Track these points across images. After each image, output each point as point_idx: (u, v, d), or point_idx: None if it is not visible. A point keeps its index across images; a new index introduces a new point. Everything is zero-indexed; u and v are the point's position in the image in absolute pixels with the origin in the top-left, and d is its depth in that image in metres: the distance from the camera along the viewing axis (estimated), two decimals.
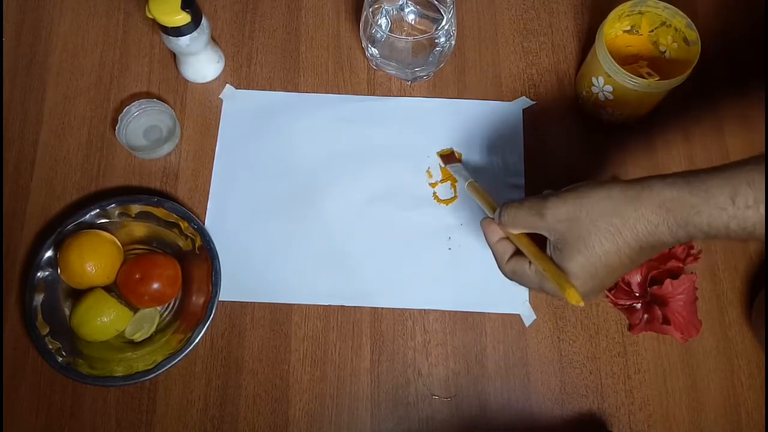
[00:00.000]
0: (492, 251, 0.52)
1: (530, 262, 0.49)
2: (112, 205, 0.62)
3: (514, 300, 0.62)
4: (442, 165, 0.66)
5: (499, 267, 0.52)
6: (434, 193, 0.66)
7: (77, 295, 0.60)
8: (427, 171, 0.67)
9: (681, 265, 0.62)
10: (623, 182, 0.44)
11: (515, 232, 0.50)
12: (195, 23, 0.63)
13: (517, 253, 0.51)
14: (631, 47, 0.67)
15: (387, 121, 0.69)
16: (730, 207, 0.40)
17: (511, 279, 0.51)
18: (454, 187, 0.66)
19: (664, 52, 0.66)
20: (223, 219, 0.65)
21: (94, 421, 0.59)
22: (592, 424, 0.59)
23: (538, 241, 0.49)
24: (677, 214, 0.42)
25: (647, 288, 0.61)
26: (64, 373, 0.57)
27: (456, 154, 0.67)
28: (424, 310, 0.62)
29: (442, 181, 0.66)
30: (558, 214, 0.46)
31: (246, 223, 0.65)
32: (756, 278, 0.63)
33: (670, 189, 0.42)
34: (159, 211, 0.62)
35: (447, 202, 0.66)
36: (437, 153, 0.67)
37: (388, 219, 0.65)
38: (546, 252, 0.48)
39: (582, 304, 0.44)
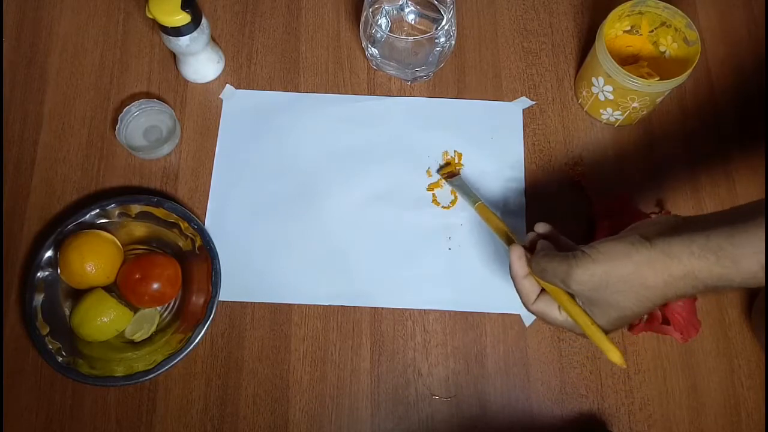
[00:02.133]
0: (516, 286, 0.52)
1: (559, 307, 0.49)
2: (112, 205, 0.62)
3: (514, 300, 0.62)
4: (445, 181, 0.66)
5: (524, 304, 0.52)
6: (434, 195, 0.66)
7: (77, 295, 0.60)
8: (427, 171, 0.67)
9: None
10: (646, 247, 0.43)
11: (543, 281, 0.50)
12: (195, 23, 0.63)
13: (543, 291, 0.50)
14: (631, 47, 0.67)
15: (387, 121, 0.68)
16: (760, 273, 0.40)
17: (539, 317, 0.52)
18: (454, 193, 0.66)
19: (664, 52, 0.66)
20: (223, 219, 0.65)
21: (94, 421, 0.59)
22: (592, 424, 0.59)
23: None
24: (704, 281, 0.42)
25: None
26: (64, 373, 0.57)
27: (454, 166, 0.66)
28: (424, 310, 0.62)
29: (441, 179, 0.66)
30: (583, 284, 0.45)
31: (246, 223, 0.65)
32: None
33: (698, 261, 0.41)
34: (159, 211, 0.62)
35: (447, 207, 0.65)
36: (439, 173, 0.66)
37: (388, 219, 0.65)
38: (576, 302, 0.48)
39: (626, 365, 0.47)
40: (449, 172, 0.66)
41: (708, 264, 0.41)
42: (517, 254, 0.51)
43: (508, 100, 0.69)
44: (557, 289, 0.48)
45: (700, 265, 0.41)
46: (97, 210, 0.62)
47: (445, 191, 0.66)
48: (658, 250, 0.43)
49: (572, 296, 0.48)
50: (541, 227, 0.52)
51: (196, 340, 0.58)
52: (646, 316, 0.60)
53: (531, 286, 0.51)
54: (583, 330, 0.47)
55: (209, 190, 0.66)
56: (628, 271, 0.43)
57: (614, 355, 0.46)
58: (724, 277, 0.41)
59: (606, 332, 0.47)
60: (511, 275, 0.52)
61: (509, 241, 0.54)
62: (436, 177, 0.67)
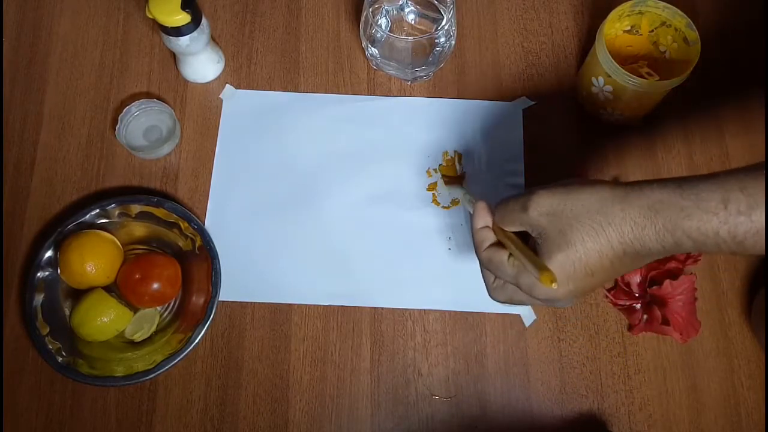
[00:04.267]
0: (472, 236, 0.50)
1: (509, 255, 0.46)
2: (112, 205, 0.62)
3: None
4: (446, 185, 0.66)
5: (476, 253, 0.49)
6: (434, 195, 0.66)
7: (77, 295, 0.60)
8: (427, 171, 0.67)
9: (680, 266, 0.62)
10: (613, 183, 0.43)
11: (505, 228, 0.48)
12: (195, 23, 0.63)
13: (498, 244, 0.48)
14: (631, 47, 0.67)
15: (387, 121, 0.69)
16: (721, 212, 0.39)
17: (486, 268, 0.49)
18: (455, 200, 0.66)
19: (664, 52, 0.66)
20: (223, 219, 0.65)
21: (94, 421, 0.59)
22: (592, 424, 0.59)
23: (525, 241, 0.47)
24: (665, 216, 0.40)
25: (647, 288, 0.61)
26: (64, 373, 0.57)
27: (458, 172, 0.66)
28: (424, 310, 0.62)
29: (450, 179, 0.66)
30: (541, 207, 0.44)
31: (246, 223, 0.65)
32: (755, 278, 0.63)
33: (660, 191, 0.41)
34: (159, 211, 0.62)
35: (447, 207, 0.65)
36: (441, 176, 0.66)
37: (388, 219, 0.65)
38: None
39: (555, 286, 0.41)
40: (452, 177, 0.66)
41: (670, 195, 0.40)
42: (482, 206, 0.50)
43: (508, 100, 0.69)
44: (509, 236, 0.47)
45: (662, 196, 0.40)
46: (97, 210, 0.62)
47: (445, 195, 0.66)
48: (624, 184, 0.42)
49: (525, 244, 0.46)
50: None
51: (196, 340, 0.58)
52: (645, 316, 0.60)
53: (485, 235, 0.49)
54: (522, 261, 0.44)
55: (209, 190, 0.66)
56: (587, 195, 0.42)
57: (547, 277, 0.41)
58: (686, 210, 0.39)
59: (558, 297, 0.44)
60: (471, 228, 0.50)
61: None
62: (435, 177, 0.66)
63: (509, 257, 0.46)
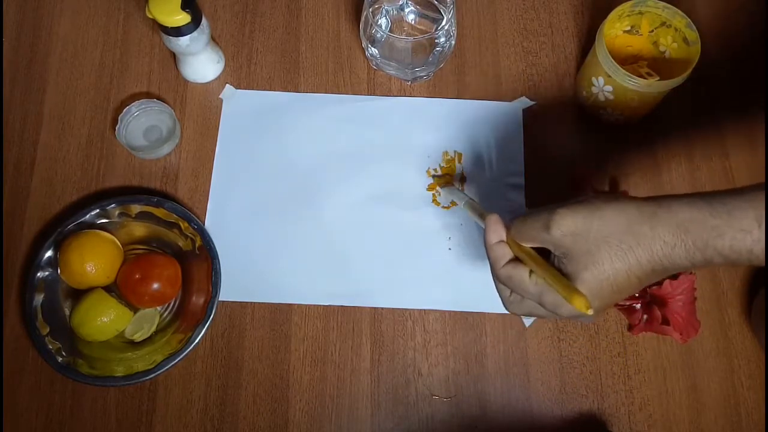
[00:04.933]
0: (487, 253, 0.48)
1: (530, 272, 0.45)
2: (112, 205, 0.62)
3: None
4: (440, 189, 0.66)
5: (492, 270, 0.48)
6: (434, 195, 0.66)
7: (77, 295, 0.60)
8: (427, 171, 0.67)
9: None
10: (638, 199, 0.42)
11: (522, 244, 0.46)
12: (195, 23, 0.63)
13: (516, 260, 0.47)
14: (631, 47, 0.67)
15: (387, 121, 0.69)
16: (755, 230, 0.38)
17: (504, 284, 0.47)
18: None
19: (664, 52, 0.66)
20: (223, 219, 0.65)
21: (94, 421, 0.59)
22: (592, 424, 0.59)
23: (542, 256, 0.46)
24: (696, 236, 0.39)
25: (647, 288, 0.61)
26: (64, 373, 0.57)
27: (458, 171, 0.66)
28: (424, 310, 0.62)
29: (441, 179, 0.66)
30: (564, 227, 0.42)
31: (246, 223, 0.65)
32: (755, 278, 0.63)
33: (690, 209, 0.40)
34: (159, 211, 0.62)
35: (447, 207, 0.65)
36: (436, 181, 0.66)
37: (388, 219, 0.65)
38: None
39: (590, 312, 0.40)
40: (446, 182, 0.66)
41: (701, 214, 0.39)
42: (494, 219, 0.48)
43: (508, 100, 0.69)
44: (529, 253, 0.45)
45: (692, 215, 0.39)
46: (97, 210, 0.62)
47: (446, 195, 0.66)
48: (649, 200, 0.41)
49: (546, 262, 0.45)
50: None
51: (196, 340, 0.58)
52: (645, 316, 0.60)
53: (502, 250, 0.47)
54: (549, 282, 0.43)
55: (209, 190, 0.66)
56: (614, 215, 0.41)
57: (580, 302, 0.40)
58: (717, 230, 0.38)
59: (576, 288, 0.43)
60: (484, 242, 0.48)
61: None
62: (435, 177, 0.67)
63: (530, 274, 0.45)
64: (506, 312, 0.61)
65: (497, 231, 0.48)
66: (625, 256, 0.41)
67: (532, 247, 0.46)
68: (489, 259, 0.48)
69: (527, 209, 0.47)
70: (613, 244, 0.41)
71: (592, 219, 0.42)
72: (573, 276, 0.42)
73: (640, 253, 0.41)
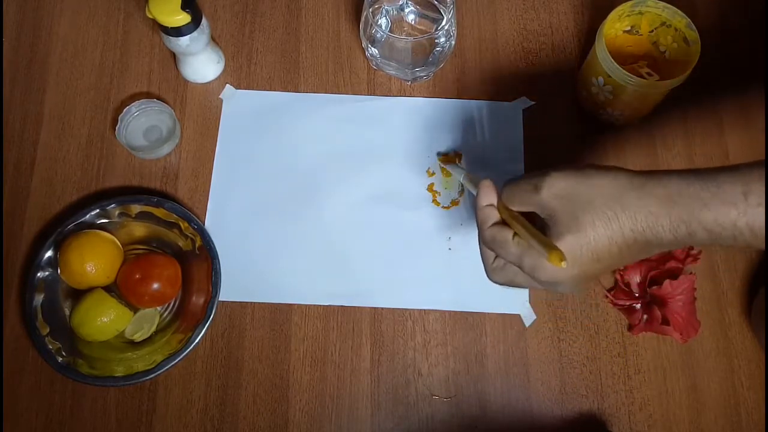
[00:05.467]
0: (476, 215, 0.48)
1: (514, 234, 0.45)
2: (112, 205, 0.62)
3: (514, 300, 0.62)
4: (442, 165, 0.66)
5: (479, 232, 0.48)
6: (434, 195, 0.66)
7: (77, 295, 0.60)
8: (427, 171, 0.67)
9: (680, 265, 0.62)
10: (632, 171, 0.42)
11: (512, 208, 0.46)
12: (195, 23, 0.63)
13: (502, 223, 0.47)
14: (631, 47, 0.67)
15: (387, 121, 0.69)
16: (741, 203, 0.38)
17: (488, 247, 0.47)
18: (454, 190, 0.66)
19: (664, 52, 0.66)
20: (223, 219, 0.65)
21: (94, 421, 0.59)
22: (592, 424, 0.59)
23: (531, 222, 0.46)
24: (683, 207, 0.39)
25: (647, 288, 0.61)
26: (64, 373, 0.57)
27: (455, 157, 0.67)
28: (424, 310, 0.62)
29: (443, 181, 0.66)
30: (554, 188, 0.43)
31: (246, 223, 0.65)
32: (756, 278, 0.63)
33: (679, 181, 0.40)
34: (159, 211, 0.62)
35: (447, 207, 0.65)
36: (438, 156, 0.67)
37: (388, 219, 0.65)
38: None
39: (565, 265, 0.40)
40: (449, 161, 0.66)
41: (690, 186, 0.39)
42: (487, 184, 0.49)
43: (508, 100, 0.69)
44: (515, 216, 0.45)
45: (680, 188, 0.39)
46: (97, 210, 0.62)
47: (446, 194, 0.66)
48: (640, 172, 0.42)
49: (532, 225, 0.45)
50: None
51: (196, 340, 0.58)
52: (645, 316, 0.60)
53: (491, 213, 0.47)
54: (530, 239, 0.43)
55: (209, 190, 0.66)
56: (604, 182, 0.41)
57: (555, 257, 0.40)
58: (703, 201, 0.39)
59: (562, 280, 0.43)
60: (474, 206, 0.49)
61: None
62: (434, 178, 0.66)
63: (514, 236, 0.45)
64: (506, 312, 0.62)
65: (488, 195, 0.48)
66: (609, 222, 0.41)
67: (521, 213, 0.46)
68: (477, 221, 0.48)
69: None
70: (598, 209, 0.41)
71: (582, 183, 0.42)
72: (556, 238, 0.42)
73: (624, 220, 0.41)
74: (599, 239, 0.41)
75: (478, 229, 0.48)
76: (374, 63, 0.69)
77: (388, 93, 0.70)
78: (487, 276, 0.49)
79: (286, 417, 0.59)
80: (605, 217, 0.41)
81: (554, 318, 0.62)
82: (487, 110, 0.69)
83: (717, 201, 0.39)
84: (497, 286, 0.63)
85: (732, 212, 0.38)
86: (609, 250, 0.42)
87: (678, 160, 0.67)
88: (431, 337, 0.62)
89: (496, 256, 0.47)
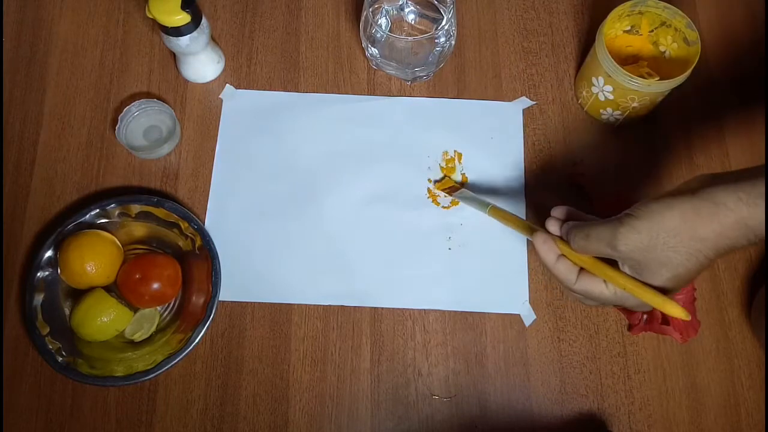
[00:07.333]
0: (552, 272, 0.50)
1: (605, 281, 0.48)
2: (112, 205, 0.62)
3: (514, 300, 0.62)
4: (447, 196, 0.65)
5: (565, 287, 0.50)
6: (433, 194, 0.66)
7: (77, 295, 0.60)
8: (428, 179, 0.67)
9: None
10: (688, 196, 0.43)
11: (583, 256, 0.49)
12: (195, 23, 0.63)
13: (583, 271, 0.49)
14: (631, 47, 0.67)
15: (387, 121, 0.69)
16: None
17: (579, 299, 0.51)
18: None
19: (664, 52, 0.66)
20: (223, 219, 0.65)
21: (94, 421, 0.59)
22: (592, 424, 0.59)
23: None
24: (759, 229, 0.41)
25: None
26: (64, 373, 0.57)
27: (452, 181, 0.66)
28: (424, 310, 0.62)
29: (441, 181, 0.66)
30: (631, 245, 0.44)
31: (246, 223, 0.65)
32: (756, 278, 0.63)
33: (747, 207, 0.41)
34: (159, 211, 0.62)
35: (447, 207, 0.65)
36: (437, 187, 0.66)
37: (388, 219, 0.65)
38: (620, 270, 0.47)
39: (689, 318, 0.44)
40: (450, 187, 0.65)
41: (758, 210, 0.40)
42: (542, 239, 0.50)
43: (508, 100, 0.69)
44: (599, 263, 0.47)
45: (749, 212, 0.41)
46: (97, 210, 0.62)
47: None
48: (702, 198, 0.42)
49: (616, 267, 0.47)
50: (558, 211, 0.52)
51: (196, 340, 0.58)
52: (645, 316, 0.60)
53: (568, 267, 0.49)
54: (636, 294, 0.46)
55: (209, 190, 0.66)
56: (675, 224, 0.43)
57: (675, 310, 0.44)
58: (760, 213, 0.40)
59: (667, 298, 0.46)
60: (542, 263, 0.51)
61: (532, 231, 0.53)
62: (436, 177, 0.66)
63: (606, 284, 0.48)
64: (506, 312, 0.62)
65: (551, 247, 0.50)
66: (696, 258, 0.43)
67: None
68: (556, 277, 0.50)
69: (575, 222, 0.49)
70: (682, 251, 0.43)
71: (654, 231, 0.43)
72: (653, 280, 0.45)
73: (708, 252, 0.43)
74: (691, 272, 0.44)
75: (562, 284, 0.50)
76: (374, 63, 0.69)
77: (388, 93, 0.70)
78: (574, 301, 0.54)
79: (286, 417, 0.59)
80: (690, 255, 0.43)
81: (554, 318, 0.62)
82: (487, 110, 0.69)
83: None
84: (497, 285, 0.63)
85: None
86: (698, 272, 0.45)
87: (678, 159, 0.67)
88: (431, 337, 0.62)
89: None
